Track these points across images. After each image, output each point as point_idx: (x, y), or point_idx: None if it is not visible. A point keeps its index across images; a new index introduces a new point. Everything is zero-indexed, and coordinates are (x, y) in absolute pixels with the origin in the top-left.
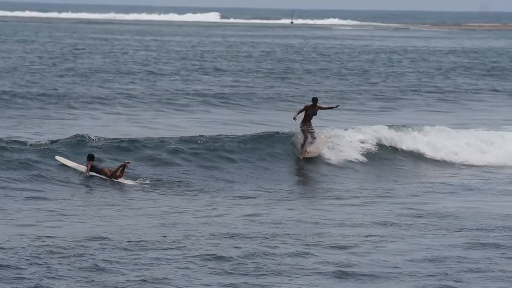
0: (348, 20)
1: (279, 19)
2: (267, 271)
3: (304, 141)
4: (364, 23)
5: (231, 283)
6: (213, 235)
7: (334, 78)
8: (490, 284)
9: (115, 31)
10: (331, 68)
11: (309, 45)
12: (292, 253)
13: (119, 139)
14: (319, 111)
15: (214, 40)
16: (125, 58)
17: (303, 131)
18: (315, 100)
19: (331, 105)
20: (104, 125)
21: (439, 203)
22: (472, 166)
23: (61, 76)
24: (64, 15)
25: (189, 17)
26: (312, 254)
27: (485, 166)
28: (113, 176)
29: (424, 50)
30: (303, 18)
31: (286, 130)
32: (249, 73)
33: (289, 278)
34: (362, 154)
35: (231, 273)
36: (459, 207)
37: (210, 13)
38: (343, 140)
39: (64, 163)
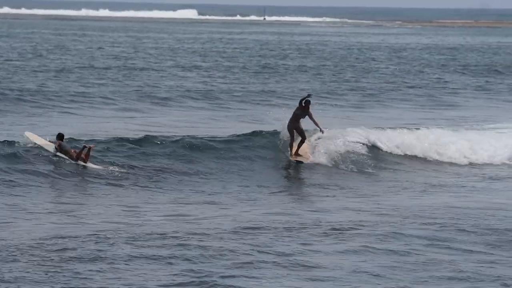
0: (324, 18)
1: (251, 15)
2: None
3: (291, 142)
4: (338, 20)
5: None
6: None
7: (308, 75)
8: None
9: (88, 28)
10: (305, 65)
11: (284, 42)
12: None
13: (101, 137)
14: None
15: (189, 36)
16: (98, 54)
17: (289, 131)
18: (307, 102)
19: (319, 126)
20: (82, 123)
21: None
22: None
23: (33, 72)
24: (36, 11)
25: (166, 14)
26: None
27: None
28: (78, 158)
29: (393, 46)
30: (277, 15)
31: (269, 129)
32: (228, 69)
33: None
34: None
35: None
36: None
37: (187, 10)
38: (327, 142)
39: (32, 139)
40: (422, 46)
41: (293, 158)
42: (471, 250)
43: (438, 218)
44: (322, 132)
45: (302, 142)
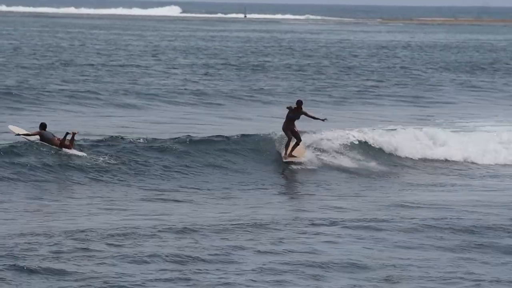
0: (307, 15)
1: (233, 13)
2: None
3: (288, 143)
4: (319, 17)
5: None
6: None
7: (291, 71)
8: None
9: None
10: (287, 62)
11: (265, 39)
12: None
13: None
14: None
15: (170, 34)
16: (80, 51)
17: (286, 133)
18: (299, 103)
19: (318, 116)
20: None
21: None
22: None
23: (15, 68)
24: (14, 9)
25: (149, 12)
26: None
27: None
28: (62, 145)
29: (375, 44)
30: (258, 13)
31: (257, 128)
32: (212, 67)
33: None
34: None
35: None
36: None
37: (170, 7)
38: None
39: (15, 131)
40: (404, 44)
41: (285, 159)
42: (445, 248)
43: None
44: (324, 120)
45: (297, 144)
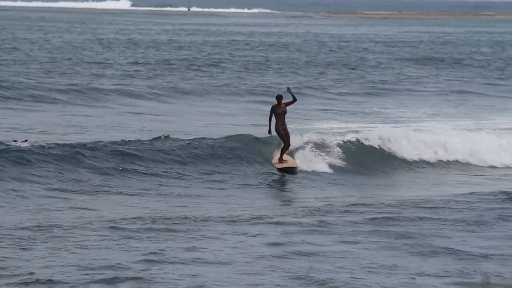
0: (255, 9)
1: (180, 6)
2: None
3: (282, 147)
4: (268, 11)
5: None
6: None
7: (237, 66)
8: None
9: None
10: (228, 58)
11: (211, 33)
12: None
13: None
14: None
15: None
16: (30, 47)
17: (279, 134)
18: (278, 97)
19: (289, 100)
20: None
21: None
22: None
23: None
24: None
25: (98, 5)
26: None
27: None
28: None
29: (317, 37)
30: (202, 7)
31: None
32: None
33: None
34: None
35: None
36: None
37: (120, 1)
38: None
39: None
40: (348, 37)
41: (277, 166)
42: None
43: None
44: (288, 88)
45: (285, 148)
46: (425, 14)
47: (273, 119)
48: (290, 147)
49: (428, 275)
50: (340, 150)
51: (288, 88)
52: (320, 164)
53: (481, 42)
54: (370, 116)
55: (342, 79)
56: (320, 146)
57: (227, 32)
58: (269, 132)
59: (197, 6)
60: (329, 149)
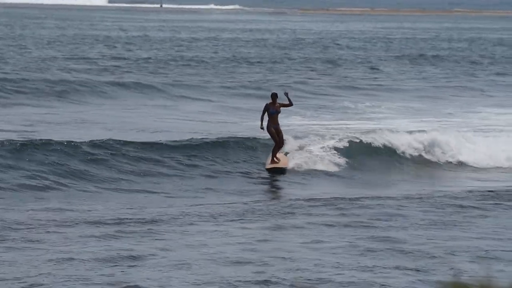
0: (229, 5)
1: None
2: None
3: (274, 146)
4: (235, 7)
5: None
6: None
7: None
8: None
9: None
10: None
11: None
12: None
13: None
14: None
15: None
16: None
17: (271, 134)
18: (273, 96)
19: (285, 103)
20: None
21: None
22: None
23: None
24: None
25: (76, 1)
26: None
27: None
28: None
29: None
30: (174, 3)
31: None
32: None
33: None
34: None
35: None
36: None
37: None
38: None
39: None
40: (324, 34)
41: (267, 166)
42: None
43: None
44: (286, 93)
45: (278, 147)
46: (397, 11)
47: (266, 117)
48: (286, 146)
49: (397, 271)
50: (337, 152)
51: (286, 93)
52: (317, 164)
53: (453, 38)
54: (338, 111)
55: (313, 75)
56: (315, 146)
57: (199, 28)
58: (261, 127)
59: (168, 3)
60: (325, 149)
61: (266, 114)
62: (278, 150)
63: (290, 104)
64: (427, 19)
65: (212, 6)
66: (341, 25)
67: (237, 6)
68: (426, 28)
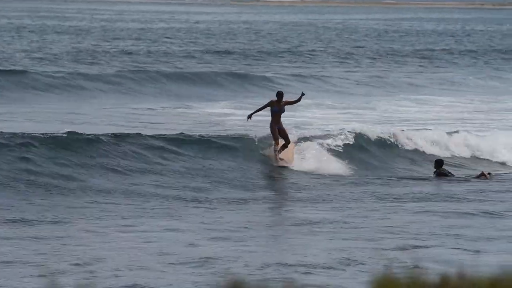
0: None
1: None
2: None
3: (276, 145)
4: None
5: None
6: None
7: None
8: None
9: None
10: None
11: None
12: None
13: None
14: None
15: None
16: None
17: (273, 132)
18: (279, 94)
19: (298, 98)
20: None
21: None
22: None
23: None
24: None
25: None
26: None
27: None
28: None
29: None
30: None
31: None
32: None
33: None
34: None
35: None
36: None
37: None
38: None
39: None
40: (253, 25)
41: (277, 164)
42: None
43: None
44: (303, 94)
45: (285, 146)
46: (329, 2)
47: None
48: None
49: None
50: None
51: (304, 94)
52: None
53: (380, 30)
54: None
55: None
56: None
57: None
58: (249, 117)
59: None
60: (329, 148)
61: (266, 111)
62: (283, 149)
63: (297, 101)
64: (359, 10)
65: None
66: (274, 16)
67: None
68: (355, 19)
